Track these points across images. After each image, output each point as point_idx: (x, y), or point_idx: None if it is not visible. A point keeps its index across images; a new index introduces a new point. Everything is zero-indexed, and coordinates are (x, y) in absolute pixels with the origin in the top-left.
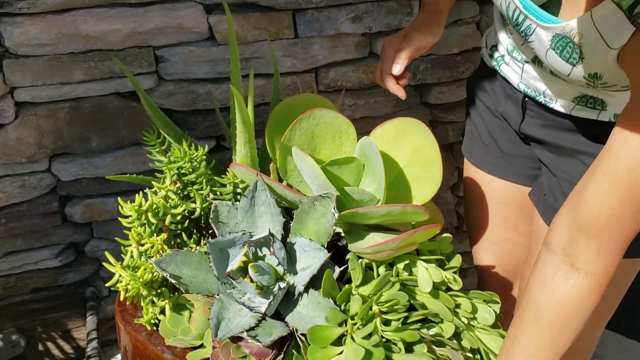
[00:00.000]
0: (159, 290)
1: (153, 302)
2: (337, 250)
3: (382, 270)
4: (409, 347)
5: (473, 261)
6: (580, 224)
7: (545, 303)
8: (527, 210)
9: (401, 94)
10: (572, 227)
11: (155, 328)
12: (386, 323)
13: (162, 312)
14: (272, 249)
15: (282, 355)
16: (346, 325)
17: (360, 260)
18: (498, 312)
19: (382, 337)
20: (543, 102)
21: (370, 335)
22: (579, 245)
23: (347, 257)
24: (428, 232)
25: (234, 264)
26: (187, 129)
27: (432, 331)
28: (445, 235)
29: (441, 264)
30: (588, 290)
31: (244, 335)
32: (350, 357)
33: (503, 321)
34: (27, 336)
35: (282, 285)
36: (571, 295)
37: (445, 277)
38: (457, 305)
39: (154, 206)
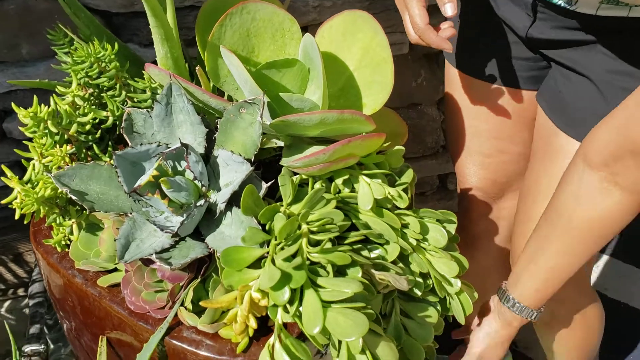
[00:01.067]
0: (65, 209)
1: (58, 222)
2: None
3: (317, 186)
4: (341, 271)
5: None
6: (634, 144)
7: (580, 218)
8: (525, 117)
9: (448, 46)
10: (622, 146)
11: (67, 250)
12: (317, 245)
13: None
14: (186, 162)
15: (198, 279)
16: (269, 247)
17: (296, 177)
18: (453, 232)
19: (308, 259)
20: (562, 4)
21: (293, 257)
22: (627, 164)
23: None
24: (368, 143)
25: (144, 178)
26: (130, 34)
27: (375, 253)
28: (396, 148)
29: (391, 180)
30: (630, 208)
31: (153, 257)
32: (265, 281)
33: (483, 239)
34: None
35: (199, 202)
36: (613, 211)
37: (389, 193)
38: (405, 226)
39: (54, 113)
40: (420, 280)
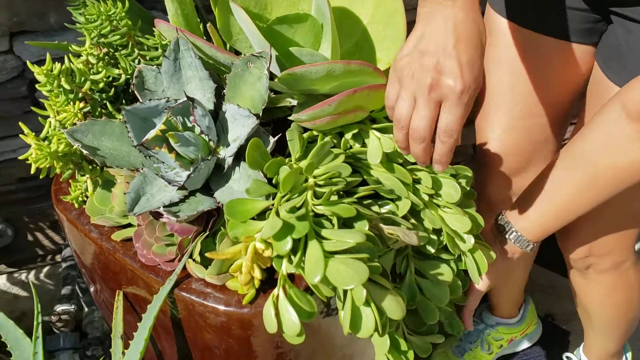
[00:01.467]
0: (79, 165)
1: (75, 178)
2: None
3: (326, 139)
4: (348, 225)
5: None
6: None
7: (607, 164)
8: (572, 75)
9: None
10: None
11: (84, 206)
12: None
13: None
14: (193, 116)
15: (207, 233)
16: (275, 200)
17: (306, 133)
18: (468, 188)
19: (313, 212)
20: None
21: (298, 209)
22: None
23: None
24: (375, 94)
25: (152, 132)
26: (153, 1)
27: (385, 209)
28: None
29: None
30: None
31: (161, 210)
32: (267, 231)
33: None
34: (15, 226)
35: (200, 153)
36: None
37: None
38: (417, 181)
39: (68, 71)
40: (434, 237)
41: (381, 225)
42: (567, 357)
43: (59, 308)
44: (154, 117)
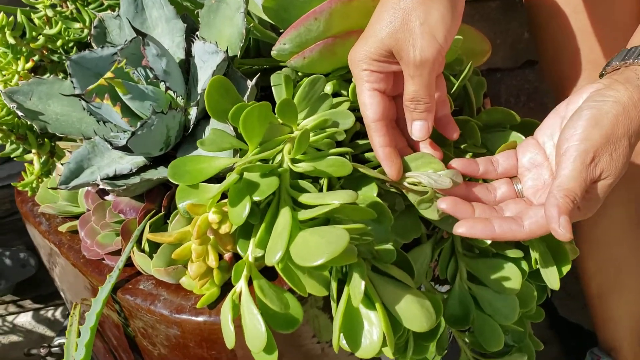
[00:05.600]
0: (24, 137)
1: (17, 154)
2: None
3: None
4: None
5: None
6: None
7: None
8: None
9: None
10: None
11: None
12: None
13: (46, 173)
14: (144, 58)
15: (163, 212)
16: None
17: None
18: None
19: (291, 171)
20: None
21: (269, 163)
22: None
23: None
24: None
25: (96, 83)
26: None
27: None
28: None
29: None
30: None
31: (99, 181)
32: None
33: None
34: (39, 255)
35: (156, 108)
36: None
37: None
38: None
39: (20, 26)
40: None
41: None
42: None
43: (57, 341)
44: (110, 70)
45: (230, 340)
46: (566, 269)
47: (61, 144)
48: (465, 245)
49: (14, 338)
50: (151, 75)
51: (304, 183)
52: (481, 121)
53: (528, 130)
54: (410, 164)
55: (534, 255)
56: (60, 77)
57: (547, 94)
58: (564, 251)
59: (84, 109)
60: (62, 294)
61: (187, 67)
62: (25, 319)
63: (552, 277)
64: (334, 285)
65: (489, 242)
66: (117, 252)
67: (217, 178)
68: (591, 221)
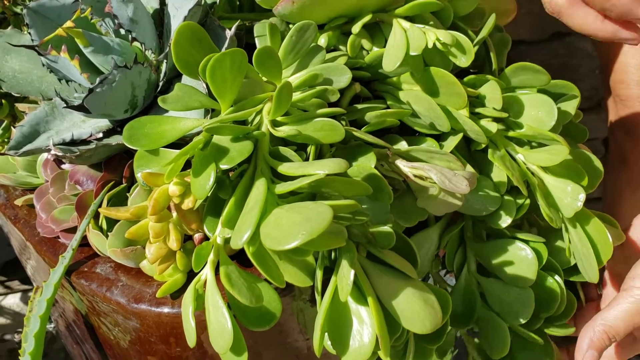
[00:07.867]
0: None
1: None
2: None
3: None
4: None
5: None
6: None
7: None
8: None
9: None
10: None
11: None
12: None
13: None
14: (108, 3)
15: (125, 184)
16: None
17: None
18: (573, 113)
19: (269, 129)
20: None
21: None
22: None
23: None
24: None
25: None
26: None
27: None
28: None
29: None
30: None
31: (51, 146)
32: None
33: None
34: None
35: (119, 62)
36: None
37: (439, 39)
38: (478, 103)
39: None
40: (509, 198)
41: (398, 163)
42: None
43: None
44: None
45: (191, 338)
46: (606, 255)
47: (20, 106)
48: (477, 230)
49: (1, 320)
50: (115, 24)
51: (285, 150)
52: (504, 80)
53: (558, 93)
54: None
55: (567, 237)
56: (25, 32)
57: (576, 70)
58: (602, 235)
59: (43, 65)
60: (29, 275)
61: (161, 18)
62: (13, 301)
63: (589, 267)
64: (319, 274)
65: (504, 225)
66: (74, 230)
67: (186, 143)
68: None
